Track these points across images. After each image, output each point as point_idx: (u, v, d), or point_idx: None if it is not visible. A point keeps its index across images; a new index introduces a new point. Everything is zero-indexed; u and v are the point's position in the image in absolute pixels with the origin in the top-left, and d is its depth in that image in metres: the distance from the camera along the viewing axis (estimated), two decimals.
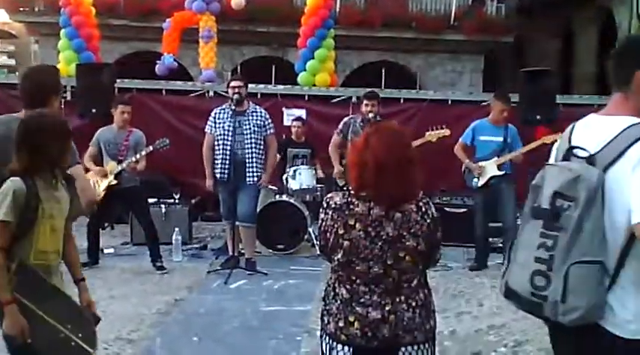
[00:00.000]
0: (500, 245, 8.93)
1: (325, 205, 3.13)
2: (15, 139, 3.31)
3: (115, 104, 8.10)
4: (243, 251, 8.09)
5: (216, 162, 7.79)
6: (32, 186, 3.24)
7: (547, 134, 8.67)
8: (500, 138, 8.25)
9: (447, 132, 8.57)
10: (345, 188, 3.22)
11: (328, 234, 3.09)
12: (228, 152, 7.68)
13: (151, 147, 7.95)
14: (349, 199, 3.05)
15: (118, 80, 10.71)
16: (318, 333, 3.22)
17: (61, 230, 3.46)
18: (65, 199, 3.47)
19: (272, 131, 7.97)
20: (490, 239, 8.82)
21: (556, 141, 8.56)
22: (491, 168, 8.22)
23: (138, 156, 7.86)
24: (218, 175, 7.76)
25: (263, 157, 7.87)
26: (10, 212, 3.17)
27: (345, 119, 8.87)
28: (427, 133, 8.60)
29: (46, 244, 3.35)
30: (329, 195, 3.18)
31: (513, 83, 12.03)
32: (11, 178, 3.23)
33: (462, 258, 8.81)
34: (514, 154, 8.21)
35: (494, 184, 8.23)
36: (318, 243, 3.62)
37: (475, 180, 8.29)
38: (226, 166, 7.69)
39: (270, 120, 7.96)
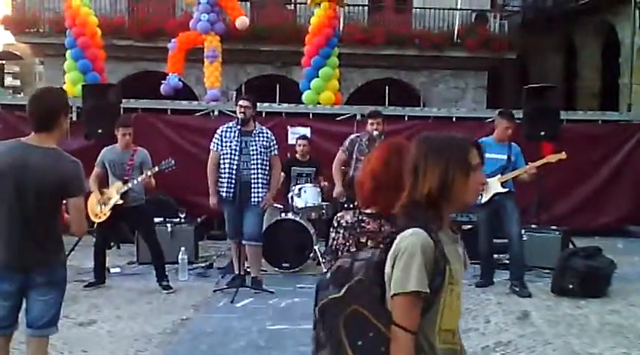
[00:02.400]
0: (507, 261, 8.92)
1: (336, 224, 3.14)
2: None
3: (117, 126, 8.12)
4: (249, 269, 8.09)
5: (221, 181, 7.81)
6: (438, 240, 2.42)
7: (552, 150, 8.69)
8: (505, 156, 8.27)
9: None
10: (347, 205, 3.24)
11: (339, 253, 3.09)
12: (234, 172, 7.70)
13: (156, 168, 7.96)
14: (360, 217, 3.07)
15: (123, 100, 10.75)
16: None
17: (461, 299, 2.56)
18: (462, 256, 2.69)
19: (277, 152, 8.00)
20: (496, 255, 8.82)
21: (560, 159, 8.58)
22: (495, 186, 8.24)
23: (145, 174, 7.86)
24: (224, 194, 7.77)
25: (268, 178, 7.89)
26: (422, 279, 2.33)
27: (352, 136, 8.89)
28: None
29: (452, 320, 2.51)
30: (339, 214, 3.19)
31: (517, 99, 12.06)
32: (413, 231, 2.41)
33: (468, 274, 8.79)
34: (517, 172, 8.23)
35: (497, 201, 8.25)
36: (325, 262, 3.62)
37: (479, 196, 8.30)
38: (232, 186, 7.71)
39: (275, 142, 7.99)
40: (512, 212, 8.23)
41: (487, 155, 8.27)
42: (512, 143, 8.39)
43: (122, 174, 7.94)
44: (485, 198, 8.25)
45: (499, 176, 8.22)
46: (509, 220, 8.24)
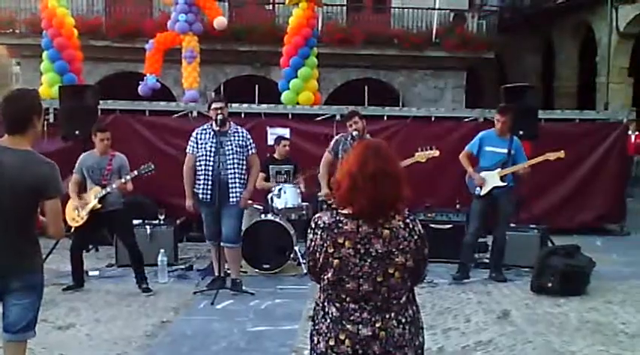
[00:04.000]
0: (486, 261, 8.96)
1: (314, 225, 3.13)
2: None
3: (94, 131, 8.05)
4: (229, 271, 8.06)
5: (198, 183, 7.76)
6: None
7: (530, 149, 8.76)
8: (505, 150, 8.33)
9: (436, 152, 8.63)
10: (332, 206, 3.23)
11: (317, 254, 3.09)
12: (210, 173, 7.66)
13: (135, 172, 7.92)
14: (337, 218, 3.06)
15: (101, 101, 10.66)
16: (306, 353, 3.21)
17: None
18: None
19: (254, 151, 7.96)
20: (476, 254, 8.87)
21: (559, 158, 8.73)
22: (494, 179, 8.30)
23: (123, 180, 7.83)
24: (200, 196, 7.73)
25: (245, 177, 7.86)
26: None
27: (337, 137, 8.88)
28: (416, 154, 8.64)
29: None
30: (317, 215, 3.18)
31: (496, 99, 12.11)
32: None
33: (448, 274, 8.81)
34: (517, 167, 8.29)
35: (494, 195, 8.30)
36: (305, 263, 3.62)
37: (478, 188, 8.36)
38: (208, 187, 7.67)
39: (251, 140, 7.95)
40: (506, 210, 8.37)
41: (487, 148, 8.41)
42: (514, 137, 8.45)
43: (100, 179, 7.88)
44: (484, 191, 8.31)
45: (499, 170, 8.27)
46: (501, 219, 8.41)
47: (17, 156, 3.88)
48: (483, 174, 8.37)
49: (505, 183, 8.28)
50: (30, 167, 3.89)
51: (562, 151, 8.48)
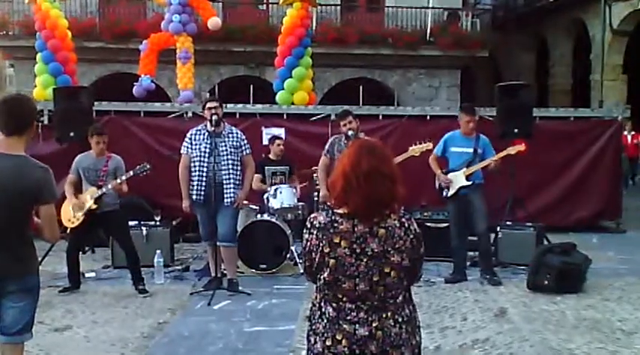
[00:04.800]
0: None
1: (309, 225, 3.12)
2: None
3: (90, 133, 8.04)
4: (225, 271, 8.05)
5: (192, 184, 7.75)
6: None
7: (525, 147, 8.77)
8: (471, 149, 8.35)
9: (429, 145, 8.65)
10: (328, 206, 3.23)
11: (313, 254, 3.08)
12: (205, 174, 7.65)
13: (131, 172, 7.91)
14: (333, 217, 3.06)
15: (95, 103, 10.65)
16: (303, 353, 3.21)
17: None
18: None
19: (249, 151, 7.95)
20: (470, 253, 8.88)
21: (520, 152, 8.84)
22: (459, 179, 8.33)
23: (118, 180, 7.82)
24: (194, 197, 7.72)
25: (240, 178, 7.85)
26: None
27: (331, 139, 8.87)
28: (410, 148, 8.66)
29: None
30: (312, 215, 3.17)
31: (490, 97, 12.13)
32: None
33: (444, 272, 8.81)
34: (481, 164, 8.32)
35: (463, 194, 8.32)
36: (301, 263, 3.62)
37: (445, 190, 8.41)
38: (203, 188, 7.66)
39: (246, 141, 7.94)
40: (479, 207, 8.33)
41: (452, 149, 8.45)
42: (481, 135, 8.46)
43: (96, 180, 7.88)
44: (451, 192, 8.36)
45: (464, 169, 8.30)
46: (476, 216, 8.34)
47: (11, 161, 3.88)
48: (450, 175, 8.41)
49: (470, 182, 8.30)
50: (24, 172, 3.88)
51: (522, 144, 8.52)
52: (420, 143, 8.71)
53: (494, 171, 8.46)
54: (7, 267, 3.90)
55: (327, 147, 8.74)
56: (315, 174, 9.40)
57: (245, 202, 8.20)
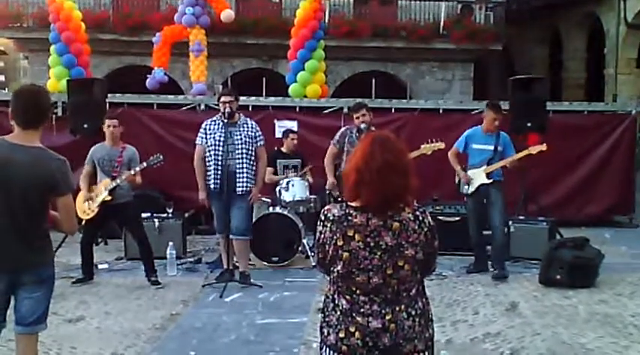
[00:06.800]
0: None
1: (323, 218, 3.13)
2: None
3: (103, 120, 8.09)
4: (237, 264, 8.07)
5: (208, 173, 7.76)
6: None
7: (538, 141, 8.74)
8: (492, 147, 8.34)
9: (441, 145, 8.66)
10: (340, 199, 3.23)
11: (327, 247, 3.09)
12: (219, 162, 7.67)
13: (145, 164, 7.94)
14: (347, 211, 3.06)
15: (109, 95, 10.68)
16: (315, 345, 3.23)
17: None
18: None
19: (262, 143, 7.96)
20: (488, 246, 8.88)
21: (542, 151, 8.75)
22: (480, 177, 8.32)
23: (132, 172, 7.85)
24: (212, 186, 7.73)
25: (254, 168, 7.87)
26: None
27: (342, 129, 8.87)
28: (422, 146, 8.68)
29: None
30: (326, 208, 3.17)
31: (503, 90, 12.08)
32: None
33: (456, 266, 8.81)
34: (502, 163, 8.30)
35: (483, 191, 8.31)
36: (314, 255, 3.63)
37: (465, 187, 8.41)
38: (218, 176, 7.67)
39: (260, 133, 7.96)
40: (496, 202, 8.32)
41: (473, 146, 8.41)
42: (502, 132, 8.44)
43: (111, 171, 7.91)
44: (471, 189, 8.36)
45: (484, 167, 8.28)
46: (493, 210, 8.34)
47: (29, 153, 3.90)
48: (470, 172, 8.39)
49: (491, 180, 8.29)
50: (41, 164, 3.90)
51: (544, 144, 8.48)
52: (433, 142, 8.71)
53: (514, 169, 8.46)
54: (23, 258, 3.93)
55: (337, 137, 8.73)
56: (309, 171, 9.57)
57: (258, 195, 8.22)
